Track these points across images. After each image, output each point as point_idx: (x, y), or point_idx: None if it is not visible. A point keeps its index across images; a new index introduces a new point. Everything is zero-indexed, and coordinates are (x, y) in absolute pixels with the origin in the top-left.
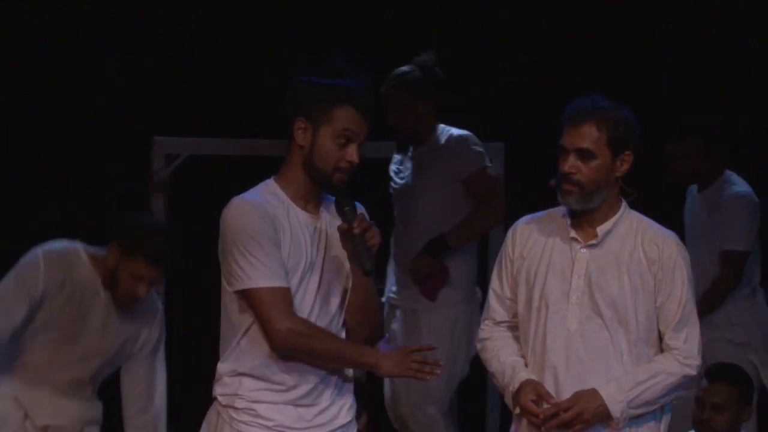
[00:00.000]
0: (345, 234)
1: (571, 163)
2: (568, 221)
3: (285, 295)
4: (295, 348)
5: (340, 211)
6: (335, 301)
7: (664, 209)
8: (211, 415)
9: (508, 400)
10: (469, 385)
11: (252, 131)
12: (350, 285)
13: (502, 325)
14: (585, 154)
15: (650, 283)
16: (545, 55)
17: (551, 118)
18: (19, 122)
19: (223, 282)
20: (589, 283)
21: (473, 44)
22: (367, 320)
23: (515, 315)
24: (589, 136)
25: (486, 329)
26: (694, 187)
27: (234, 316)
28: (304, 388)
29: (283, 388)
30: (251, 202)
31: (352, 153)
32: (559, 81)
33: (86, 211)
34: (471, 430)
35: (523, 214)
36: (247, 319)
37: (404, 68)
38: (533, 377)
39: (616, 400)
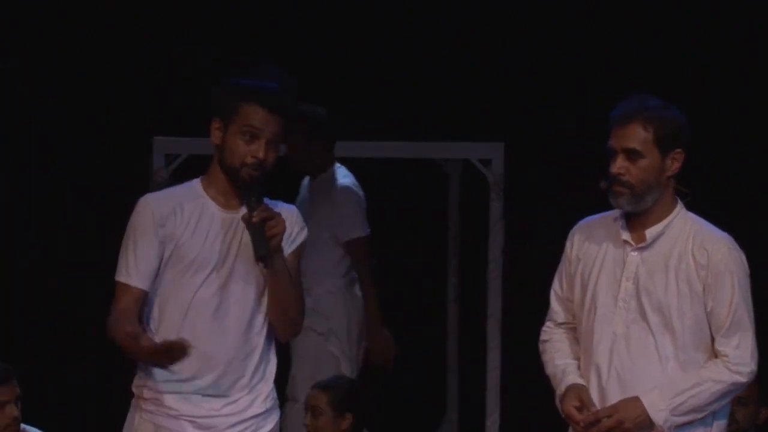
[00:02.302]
0: (246, 223)
1: (619, 164)
2: (621, 223)
3: (134, 295)
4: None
5: (247, 203)
6: (250, 296)
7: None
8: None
9: (558, 404)
10: (469, 385)
11: None
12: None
13: (562, 326)
14: (633, 155)
15: (698, 288)
16: (545, 55)
17: (551, 117)
18: (19, 122)
19: None
20: (637, 287)
21: (473, 44)
22: (284, 314)
23: (574, 316)
24: (635, 135)
25: (547, 331)
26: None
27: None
28: (208, 378)
29: (187, 377)
30: (154, 197)
31: (257, 149)
32: (559, 80)
33: (86, 212)
34: (471, 430)
35: (523, 215)
36: (144, 312)
37: (306, 106)
38: (581, 381)
39: (658, 408)
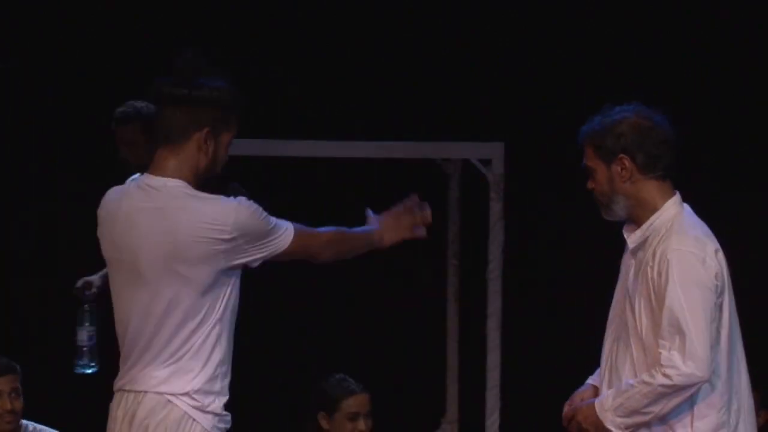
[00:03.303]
0: None
1: (588, 182)
2: (624, 227)
3: None
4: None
5: None
6: None
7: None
8: None
9: None
10: (469, 385)
11: (251, 131)
12: None
13: None
14: (589, 172)
15: (651, 293)
16: (545, 55)
17: (552, 117)
18: (19, 122)
19: None
20: (628, 291)
21: (473, 44)
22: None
23: None
24: (586, 155)
25: None
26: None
27: None
28: None
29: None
30: None
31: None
32: (559, 80)
33: (86, 211)
34: (471, 430)
35: (523, 215)
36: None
37: (140, 103)
38: (591, 382)
39: (604, 409)
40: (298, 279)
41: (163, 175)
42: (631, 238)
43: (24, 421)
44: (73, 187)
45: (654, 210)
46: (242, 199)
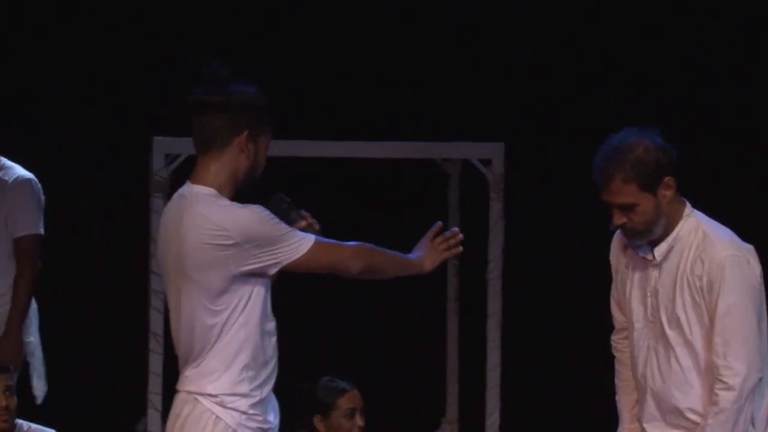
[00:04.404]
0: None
1: (618, 217)
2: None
3: None
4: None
5: (285, 213)
6: None
7: None
8: None
9: None
10: (469, 385)
11: None
12: None
13: (622, 333)
14: (627, 207)
15: (700, 300)
16: (545, 55)
17: (551, 117)
18: (18, 122)
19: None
20: (657, 302)
21: (473, 44)
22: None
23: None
24: (621, 191)
25: (614, 343)
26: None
27: None
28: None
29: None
30: None
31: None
32: (559, 80)
33: (86, 211)
34: (471, 430)
35: (523, 215)
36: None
37: None
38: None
39: None
40: (298, 279)
41: (198, 183)
42: (659, 251)
43: (19, 421)
44: (73, 186)
45: (678, 220)
46: (254, 206)
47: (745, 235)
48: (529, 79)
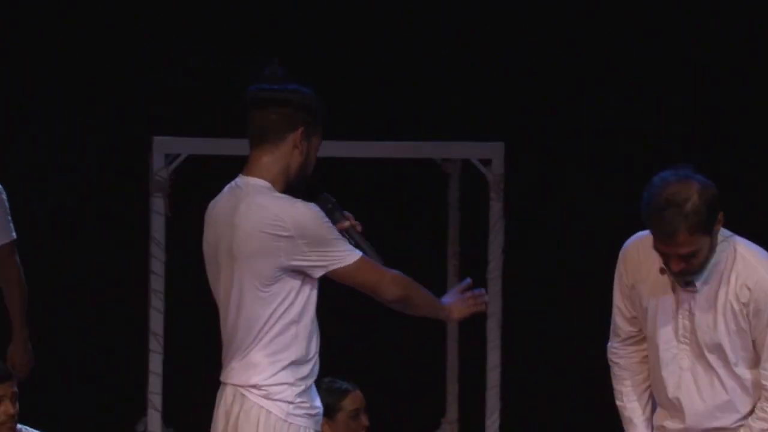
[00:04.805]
0: (347, 233)
1: (677, 265)
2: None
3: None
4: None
5: (329, 213)
6: None
7: None
8: None
9: None
10: (469, 385)
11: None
12: None
13: (627, 341)
14: (689, 255)
15: (744, 325)
16: (545, 55)
17: (551, 117)
18: (18, 122)
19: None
20: (692, 324)
21: (473, 44)
22: None
23: (641, 329)
24: (685, 243)
25: (614, 351)
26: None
27: None
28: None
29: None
30: None
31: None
32: (559, 80)
33: (86, 211)
34: (471, 430)
35: (523, 215)
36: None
37: None
38: None
39: None
40: None
41: (252, 175)
42: (700, 279)
43: (20, 425)
44: (73, 186)
45: (716, 245)
46: (311, 204)
47: (745, 235)
48: (529, 78)
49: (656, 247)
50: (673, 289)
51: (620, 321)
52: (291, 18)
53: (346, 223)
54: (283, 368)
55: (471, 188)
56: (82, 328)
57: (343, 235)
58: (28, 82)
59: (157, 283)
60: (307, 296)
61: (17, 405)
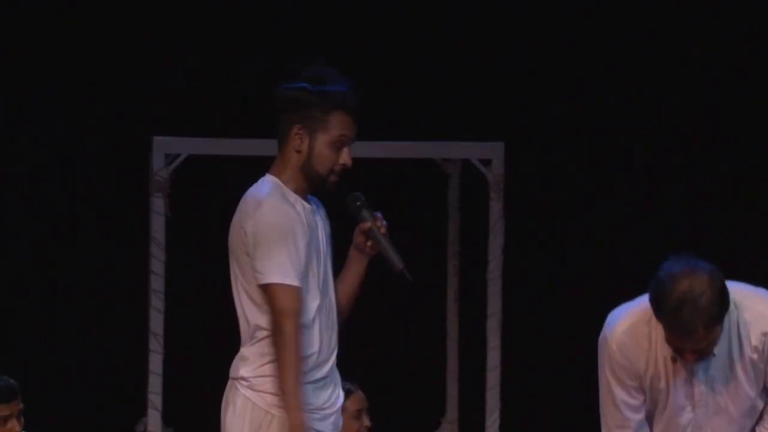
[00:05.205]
0: (374, 235)
1: (692, 357)
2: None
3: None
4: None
5: (356, 210)
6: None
7: None
8: None
9: None
10: (469, 385)
11: (252, 131)
12: (347, 276)
13: (628, 429)
14: (706, 347)
15: (762, 366)
16: (545, 55)
17: (551, 117)
18: (18, 122)
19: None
20: (711, 390)
21: (473, 44)
22: (351, 308)
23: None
24: (704, 338)
25: None
26: None
27: None
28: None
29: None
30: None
31: (346, 156)
32: (559, 80)
33: (86, 211)
34: (471, 430)
35: (523, 215)
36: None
37: None
38: None
39: None
40: None
41: (268, 172)
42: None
43: None
44: (73, 186)
45: None
46: (283, 208)
47: (746, 235)
48: (529, 78)
49: (670, 342)
50: (685, 366)
51: (628, 413)
52: (291, 18)
53: (367, 224)
54: (270, 362)
55: (471, 188)
56: (82, 328)
57: (370, 236)
58: (28, 82)
59: (157, 283)
60: (307, 299)
61: (22, 419)
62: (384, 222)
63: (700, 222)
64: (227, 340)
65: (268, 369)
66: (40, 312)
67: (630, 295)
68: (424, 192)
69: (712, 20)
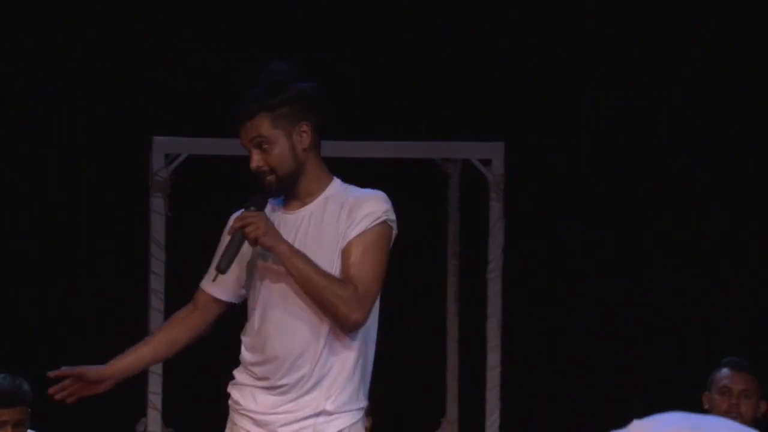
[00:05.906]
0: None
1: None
2: None
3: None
4: None
5: (246, 207)
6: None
7: None
8: None
9: None
10: (469, 385)
11: None
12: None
13: None
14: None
15: None
16: (545, 55)
17: (551, 117)
18: (18, 122)
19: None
20: None
21: (473, 44)
22: (322, 307)
23: None
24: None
25: None
26: None
27: None
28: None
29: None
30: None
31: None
32: (559, 80)
33: (86, 211)
34: (471, 430)
35: (523, 215)
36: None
37: None
38: None
39: None
40: None
41: None
42: None
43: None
44: (73, 186)
45: None
46: (239, 212)
47: (746, 235)
48: (529, 78)
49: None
50: None
51: None
52: (291, 18)
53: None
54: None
55: (471, 188)
56: (82, 328)
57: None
58: (28, 82)
59: (157, 283)
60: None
61: (27, 423)
62: (237, 221)
63: (700, 222)
64: (227, 340)
65: (237, 373)
66: (40, 312)
67: (630, 295)
68: (424, 192)
69: (712, 20)
